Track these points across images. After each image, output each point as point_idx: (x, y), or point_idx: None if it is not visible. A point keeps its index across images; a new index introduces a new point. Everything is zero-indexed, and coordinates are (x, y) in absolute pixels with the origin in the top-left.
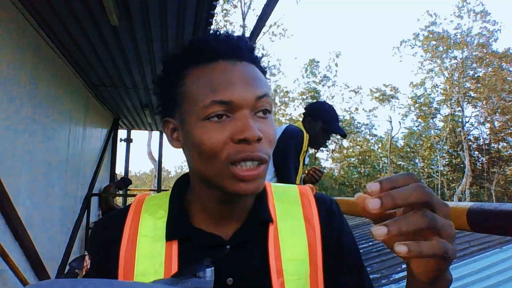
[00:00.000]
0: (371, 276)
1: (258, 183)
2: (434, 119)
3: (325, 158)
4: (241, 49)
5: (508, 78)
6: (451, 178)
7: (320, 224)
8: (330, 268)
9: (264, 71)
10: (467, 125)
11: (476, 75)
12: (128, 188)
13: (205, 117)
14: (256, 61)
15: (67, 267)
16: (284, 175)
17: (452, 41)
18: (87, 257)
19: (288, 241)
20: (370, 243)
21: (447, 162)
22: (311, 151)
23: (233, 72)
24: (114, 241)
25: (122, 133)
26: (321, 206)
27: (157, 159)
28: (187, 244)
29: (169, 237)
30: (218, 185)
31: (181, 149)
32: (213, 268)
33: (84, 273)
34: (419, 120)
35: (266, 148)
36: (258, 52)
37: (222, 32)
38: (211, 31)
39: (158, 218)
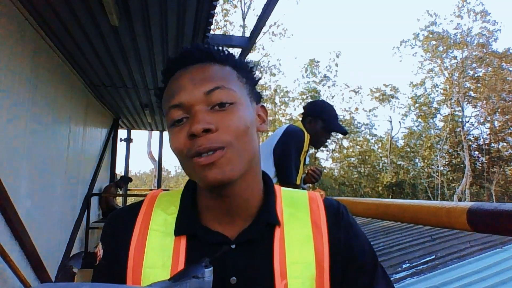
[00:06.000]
0: None
1: (220, 170)
2: (434, 119)
3: (325, 158)
4: (191, 54)
5: (508, 78)
6: (451, 178)
7: (328, 228)
8: (338, 271)
9: (237, 66)
10: (467, 125)
11: (476, 75)
12: (128, 188)
13: (170, 124)
14: (216, 59)
15: (63, 265)
16: (285, 175)
17: (452, 41)
18: (100, 247)
19: (294, 245)
20: (371, 243)
21: (447, 162)
22: (312, 150)
23: (184, 76)
24: (126, 233)
25: (122, 133)
26: (329, 210)
27: (157, 159)
28: (195, 241)
29: (177, 232)
30: (195, 180)
31: None
32: (211, 268)
33: (97, 262)
34: (419, 120)
35: (222, 136)
36: (223, 52)
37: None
38: (211, 32)
39: (169, 214)
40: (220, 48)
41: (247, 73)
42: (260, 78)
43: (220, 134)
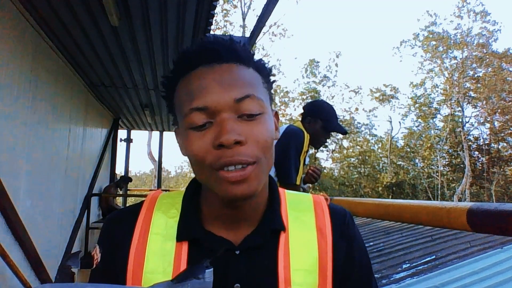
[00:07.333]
0: None
1: (247, 185)
2: (434, 119)
3: (325, 158)
4: (218, 51)
5: (508, 78)
6: (451, 178)
7: (332, 235)
8: (339, 280)
9: (260, 69)
10: (467, 125)
11: (476, 75)
12: (128, 188)
13: (188, 127)
14: (242, 60)
15: (61, 266)
16: (285, 176)
17: (452, 41)
18: (97, 250)
19: (299, 250)
20: (371, 243)
21: (447, 162)
22: (311, 151)
23: (209, 76)
24: (126, 237)
25: (122, 133)
26: (335, 216)
27: (157, 159)
28: (197, 246)
29: (179, 237)
30: (212, 189)
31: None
32: (212, 269)
33: (94, 266)
34: (419, 120)
35: (252, 150)
36: (247, 51)
37: (208, 36)
38: (211, 32)
39: (170, 217)
40: (241, 44)
41: (267, 75)
42: (275, 81)
43: (249, 147)
